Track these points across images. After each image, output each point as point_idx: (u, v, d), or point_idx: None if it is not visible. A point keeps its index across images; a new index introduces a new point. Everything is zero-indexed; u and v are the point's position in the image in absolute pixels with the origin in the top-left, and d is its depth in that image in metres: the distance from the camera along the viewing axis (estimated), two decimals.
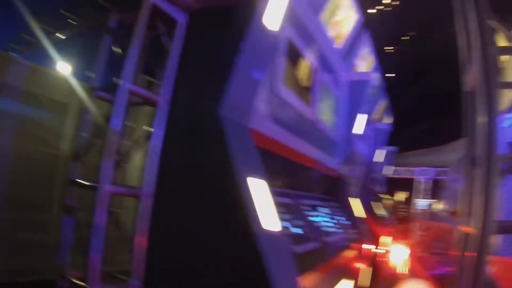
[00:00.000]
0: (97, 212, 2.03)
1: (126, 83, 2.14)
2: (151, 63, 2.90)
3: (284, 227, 3.13)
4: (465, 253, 2.20)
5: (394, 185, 25.36)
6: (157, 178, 2.24)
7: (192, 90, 2.85)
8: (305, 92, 4.52)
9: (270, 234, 2.44)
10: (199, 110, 2.75)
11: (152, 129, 2.35)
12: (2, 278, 4.13)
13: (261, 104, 3.32)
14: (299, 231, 3.47)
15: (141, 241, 2.18)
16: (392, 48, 27.45)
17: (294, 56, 4.18)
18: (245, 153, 2.69)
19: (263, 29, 2.79)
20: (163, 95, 2.28)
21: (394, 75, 28.60)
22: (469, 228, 2.00)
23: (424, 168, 19.63)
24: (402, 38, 27.11)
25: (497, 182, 2.12)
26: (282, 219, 3.25)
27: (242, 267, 2.40)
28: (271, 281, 2.22)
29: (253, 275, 2.32)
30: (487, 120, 2.00)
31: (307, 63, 4.46)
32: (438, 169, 19.24)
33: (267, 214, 2.54)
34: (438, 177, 19.02)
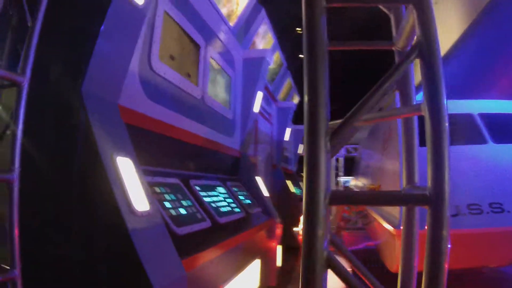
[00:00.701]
0: None
1: None
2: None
3: (163, 208, 3.05)
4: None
5: None
6: (21, 162, 2.07)
7: (53, 67, 2.67)
8: (192, 70, 4.44)
9: (138, 215, 2.36)
10: (60, 88, 2.58)
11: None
12: None
13: (135, 81, 3.20)
14: (184, 211, 3.39)
15: (12, 230, 2.01)
16: (299, 30, 27.98)
17: (178, 34, 4.08)
18: (112, 131, 2.57)
19: (127, 0, 2.67)
20: (24, 75, 2.10)
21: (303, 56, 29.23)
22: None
23: None
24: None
25: None
26: (161, 200, 3.17)
27: (111, 251, 2.29)
28: (143, 265, 2.16)
29: (123, 259, 2.24)
30: None
31: (193, 40, 4.38)
32: (349, 146, 20.00)
33: (136, 194, 2.45)
34: (350, 154, 19.79)
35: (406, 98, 2.19)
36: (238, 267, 4.12)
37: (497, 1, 8.44)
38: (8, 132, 2.19)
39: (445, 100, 1.58)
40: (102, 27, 2.48)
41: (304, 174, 1.62)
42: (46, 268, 2.45)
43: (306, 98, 1.64)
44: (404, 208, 2.10)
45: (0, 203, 2.19)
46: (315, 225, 1.58)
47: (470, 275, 7.04)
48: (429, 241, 1.53)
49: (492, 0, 8.57)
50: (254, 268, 4.90)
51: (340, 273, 1.62)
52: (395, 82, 1.89)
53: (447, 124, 1.56)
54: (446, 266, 1.50)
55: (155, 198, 2.91)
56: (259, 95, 6.53)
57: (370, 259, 7.61)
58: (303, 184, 1.61)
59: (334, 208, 11.20)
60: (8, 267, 2.07)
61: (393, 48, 2.24)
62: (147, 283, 2.11)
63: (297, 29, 27.85)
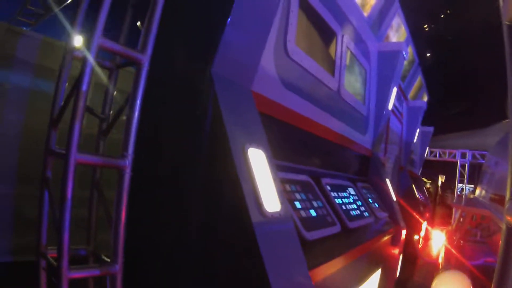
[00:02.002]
0: (64, 183, 1.74)
1: (96, 37, 1.83)
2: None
3: (293, 209, 2.77)
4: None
5: (432, 168, 24.61)
6: (136, 147, 1.92)
7: (178, 46, 2.52)
8: (328, 60, 4.09)
9: (268, 216, 2.09)
10: (186, 68, 2.42)
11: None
12: (6, 258, 4.03)
13: (270, 67, 2.94)
14: (314, 213, 3.07)
15: (119, 219, 1.88)
16: (427, 26, 26.26)
17: (314, 20, 3.76)
18: (244, 118, 2.33)
19: None
20: (144, 52, 1.95)
21: (429, 54, 27.44)
22: None
23: (464, 150, 18.73)
24: (439, 15, 25.85)
25: None
26: (292, 199, 2.89)
27: (231, 250, 2.06)
28: (267, 274, 1.88)
29: (246, 265, 1.99)
30: None
31: (329, 27, 4.02)
32: (477, 152, 18.43)
33: (267, 191, 2.18)
34: (477, 161, 18.19)
35: None
36: (362, 277, 3.75)
37: None
38: (123, 117, 2.05)
39: None
40: (234, 5, 2.22)
41: None
42: (149, 264, 2.33)
43: None
44: None
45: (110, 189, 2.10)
46: None
47: None
48: None
49: None
50: (374, 278, 4.46)
51: None
52: None
53: None
54: None
55: (285, 198, 2.63)
56: (394, 91, 5.98)
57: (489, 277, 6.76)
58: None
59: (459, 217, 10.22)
60: (109, 259, 1.95)
61: None
62: None
63: (425, 26, 26.08)
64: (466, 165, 19.13)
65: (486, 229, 9.35)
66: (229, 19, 2.19)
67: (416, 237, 9.70)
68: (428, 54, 27.13)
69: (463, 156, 18.89)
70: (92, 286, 2.56)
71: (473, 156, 18.74)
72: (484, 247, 10.09)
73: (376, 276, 4.56)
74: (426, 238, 11.50)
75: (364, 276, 3.88)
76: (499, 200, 7.45)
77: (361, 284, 3.74)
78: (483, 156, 17.30)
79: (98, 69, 2.43)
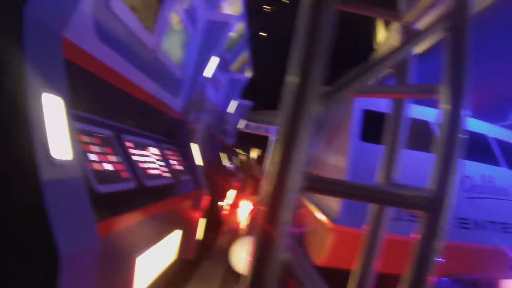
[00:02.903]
0: None
1: None
2: None
3: (88, 160, 2.75)
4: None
5: (249, 141, 26.19)
6: None
7: None
8: (151, 18, 4.07)
9: (56, 163, 2.06)
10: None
11: None
12: None
13: (87, 16, 2.82)
14: (110, 167, 3.09)
15: None
16: (270, 8, 27.64)
17: None
18: (46, 64, 2.22)
19: None
20: None
21: (266, 34, 29.02)
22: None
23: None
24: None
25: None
26: (88, 151, 2.86)
27: (17, 203, 1.94)
28: (50, 223, 1.86)
29: (29, 214, 1.92)
30: None
31: None
32: None
33: (59, 139, 2.14)
34: None
35: (402, 79, 2.05)
36: (158, 236, 3.87)
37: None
38: None
39: (468, 88, 1.42)
40: None
41: (276, 147, 1.39)
42: None
43: (295, 57, 1.45)
44: (373, 206, 1.95)
45: None
46: (277, 212, 1.32)
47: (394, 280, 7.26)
48: (418, 251, 1.40)
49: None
50: (174, 238, 4.68)
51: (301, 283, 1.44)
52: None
53: (464, 117, 1.40)
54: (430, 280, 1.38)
55: (80, 148, 2.60)
56: (214, 60, 6.22)
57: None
58: (271, 158, 1.37)
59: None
60: None
61: (396, 21, 2.06)
62: (53, 245, 1.84)
63: (265, 6, 27.43)
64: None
65: None
66: None
67: (222, 203, 10.29)
68: (263, 34, 28.52)
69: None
70: None
71: None
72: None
73: (175, 237, 4.75)
74: (235, 206, 12.24)
75: (161, 234, 3.99)
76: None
77: (158, 242, 3.86)
78: None
79: None
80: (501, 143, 6.21)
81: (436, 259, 1.38)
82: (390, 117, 2.09)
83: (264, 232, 1.35)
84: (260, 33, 28.90)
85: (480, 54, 9.26)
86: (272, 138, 20.03)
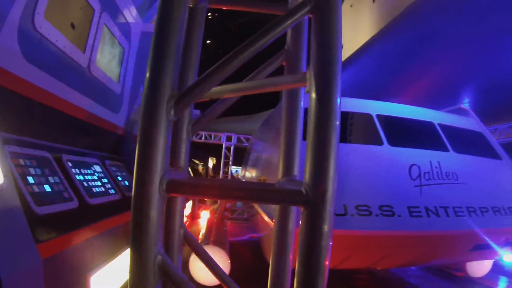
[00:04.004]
0: None
1: None
2: None
3: (24, 183, 2.70)
4: None
5: (205, 150, 25.87)
6: None
7: None
8: (81, 36, 4.04)
9: None
10: None
11: None
12: None
13: (12, 38, 2.78)
14: (49, 189, 3.04)
15: None
16: (210, 15, 27.63)
17: None
18: None
19: None
20: None
21: (209, 41, 29.00)
22: None
23: (229, 134, 20.24)
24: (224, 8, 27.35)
25: None
26: (24, 174, 2.81)
27: None
28: None
29: None
30: None
31: (87, 3, 3.97)
32: (242, 135, 20.02)
33: None
34: (242, 144, 19.82)
35: (293, 70, 1.97)
36: (112, 253, 3.80)
37: (411, 12, 8.88)
38: None
39: (338, 70, 1.29)
40: None
41: (136, 151, 1.35)
42: None
43: (149, 60, 1.43)
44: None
45: None
46: (144, 221, 1.30)
47: (362, 274, 7.36)
48: (301, 247, 1.28)
49: (404, 12, 9.02)
50: (127, 255, 4.54)
51: (177, 284, 1.37)
52: (283, 53, 1.69)
53: (337, 99, 1.27)
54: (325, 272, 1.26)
55: (16, 171, 2.57)
56: None
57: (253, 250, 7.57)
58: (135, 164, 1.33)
59: None
60: None
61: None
62: None
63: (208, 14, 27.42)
64: (232, 147, 20.40)
65: (251, 208, 10.18)
66: None
67: (183, 213, 10.03)
68: (208, 41, 28.44)
69: (229, 139, 20.05)
70: None
71: (238, 140, 20.08)
72: (250, 224, 11.09)
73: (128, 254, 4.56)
74: (195, 216, 12.08)
75: (114, 251, 3.86)
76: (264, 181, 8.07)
77: (112, 259, 3.73)
78: (248, 140, 18.69)
79: None
80: (447, 128, 6.37)
81: (325, 253, 1.25)
82: (285, 110, 1.99)
83: (133, 236, 1.34)
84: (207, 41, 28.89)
85: (429, 41, 9.62)
86: (225, 145, 20.04)
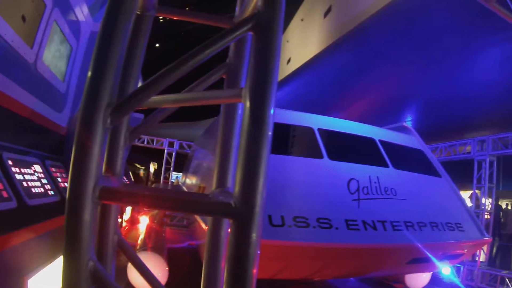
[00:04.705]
0: None
1: None
2: None
3: None
4: None
5: (147, 154, 25.43)
6: None
7: None
8: (30, 31, 3.90)
9: None
10: None
11: None
12: None
13: None
14: None
15: None
16: (162, 19, 27.33)
17: None
18: None
19: None
20: None
21: (158, 45, 28.64)
22: None
23: (171, 139, 20.07)
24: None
25: None
26: None
27: None
28: None
29: None
30: None
31: None
32: (184, 142, 19.92)
33: None
34: (184, 151, 19.70)
35: (232, 84, 2.01)
36: (50, 256, 3.67)
37: (359, 31, 9.17)
38: None
39: (274, 87, 1.34)
40: None
41: (72, 157, 1.35)
42: None
43: (90, 65, 1.42)
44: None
45: None
46: (77, 227, 1.30)
47: (299, 284, 7.38)
48: (230, 261, 1.31)
49: (352, 30, 9.30)
50: None
51: None
52: (225, 66, 1.73)
53: (270, 118, 1.30)
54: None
55: None
56: None
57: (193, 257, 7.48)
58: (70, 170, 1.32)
59: None
60: None
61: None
62: None
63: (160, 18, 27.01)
64: (173, 153, 20.20)
65: (191, 215, 10.08)
66: None
67: (119, 219, 9.75)
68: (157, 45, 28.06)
69: (171, 144, 19.85)
70: None
71: (180, 146, 19.91)
72: (190, 231, 10.91)
73: None
74: (134, 221, 11.80)
75: (53, 254, 3.70)
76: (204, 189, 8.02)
77: (50, 262, 3.61)
78: (190, 146, 18.59)
79: None
80: (388, 145, 6.58)
81: (252, 262, 1.28)
82: (222, 123, 2.02)
83: (66, 241, 1.33)
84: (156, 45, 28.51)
85: (374, 60, 9.97)
86: (166, 151, 19.78)
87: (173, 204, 1.47)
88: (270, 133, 1.30)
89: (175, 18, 2.15)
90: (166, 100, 1.61)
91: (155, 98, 1.56)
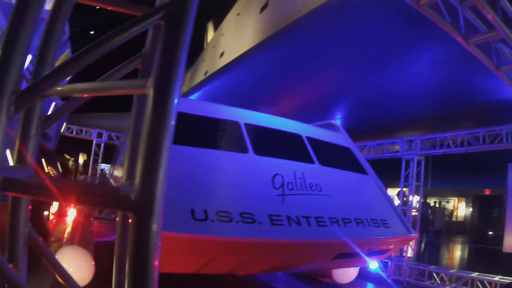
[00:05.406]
0: None
1: None
2: None
3: None
4: None
5: (76, 145, 24.41)
6: None
7: None
8: None
9: None
10: None
11: None
12: None
13: None
14: None
15: None
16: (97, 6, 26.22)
17: None
18: None
19: None
20: None
21: (93, 32, 27.54)
22: None
23: (100, 130, 19.36)
24: None
25: None
26: None
27: None
28: None
29: None
30: None
31: None
32: (113, 133, 19.34)
33: None
34: (113, 142, 19.14)
35: (146, 74, 1.96)
36: None
37: (291, 28, 9.20)
38: None
39: (179, 79, 1.32)
40: None
41: None
42: None
43: None
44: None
45: None
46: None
47: (227, 278, 7.37)
48: (130, 256, 1.29)
49: (285, 27, 9.34)
50: None
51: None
52: (140, 55, 1.69)
53: (172, 109, 1.29)
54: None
55: None
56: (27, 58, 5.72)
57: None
58: None
59: None
60: None
61: None
62: None
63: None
64: (102, 144, 19.51)
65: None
66: None
67: (46, 213, 9.47)
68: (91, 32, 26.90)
69: (99, 135, 19.15)
70: None
71: (109, 137, 19.24)
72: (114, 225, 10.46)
73: None
74: (62, 214, 11.28)
75: None
76: None
77: None
78: (118, 138, 18.00)
79: None
80: (314, 141, 6.62)
81: (153, 254, 1.28)
82: (133, 114, 2.01)
83: None
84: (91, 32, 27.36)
85: (306, 57, 10.03)
86: (95, 142, 19.10)
87: (77, 197, 1.41)
88: (172, 123, 1.28)
89: (91, 4, 2.04)
90: (74, 89, 1.54)
91: (65, 86, 1.50)
